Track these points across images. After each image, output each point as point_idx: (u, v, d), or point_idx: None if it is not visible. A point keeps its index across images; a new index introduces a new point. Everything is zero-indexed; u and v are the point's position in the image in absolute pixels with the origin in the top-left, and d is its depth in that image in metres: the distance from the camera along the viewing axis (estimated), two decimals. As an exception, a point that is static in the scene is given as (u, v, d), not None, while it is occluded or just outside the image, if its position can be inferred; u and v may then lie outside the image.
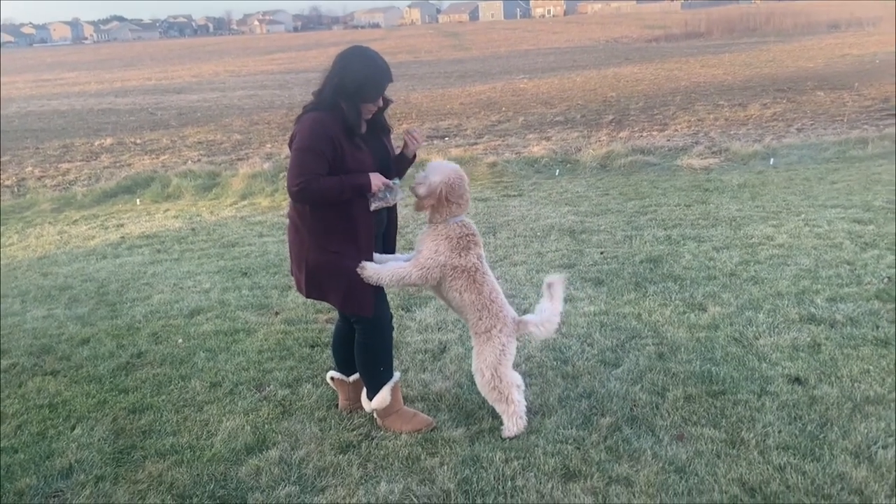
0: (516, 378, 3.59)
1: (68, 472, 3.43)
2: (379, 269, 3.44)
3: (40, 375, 4.53)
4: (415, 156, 3.71)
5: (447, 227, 3.49)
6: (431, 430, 3.58)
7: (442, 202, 3.46)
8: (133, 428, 3.80)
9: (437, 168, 3.52)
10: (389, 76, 3.38)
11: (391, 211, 3.66)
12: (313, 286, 3.50)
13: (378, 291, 3.52)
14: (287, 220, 3.60)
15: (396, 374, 3.71)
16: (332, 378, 3.90)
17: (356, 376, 3.81)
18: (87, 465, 3.46)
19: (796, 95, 16.53)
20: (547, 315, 3.59)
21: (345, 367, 3.83)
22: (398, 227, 3.82)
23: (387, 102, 3.49)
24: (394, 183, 3.47)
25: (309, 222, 3.42)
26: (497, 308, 3.51)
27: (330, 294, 3.50)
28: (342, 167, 3.31)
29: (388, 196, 3.47)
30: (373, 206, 3.44)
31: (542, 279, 3.84)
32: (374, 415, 3.71)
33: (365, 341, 3.62)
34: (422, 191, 3.48)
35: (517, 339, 3.63)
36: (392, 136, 3.70)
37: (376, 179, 3.38)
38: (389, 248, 3.78)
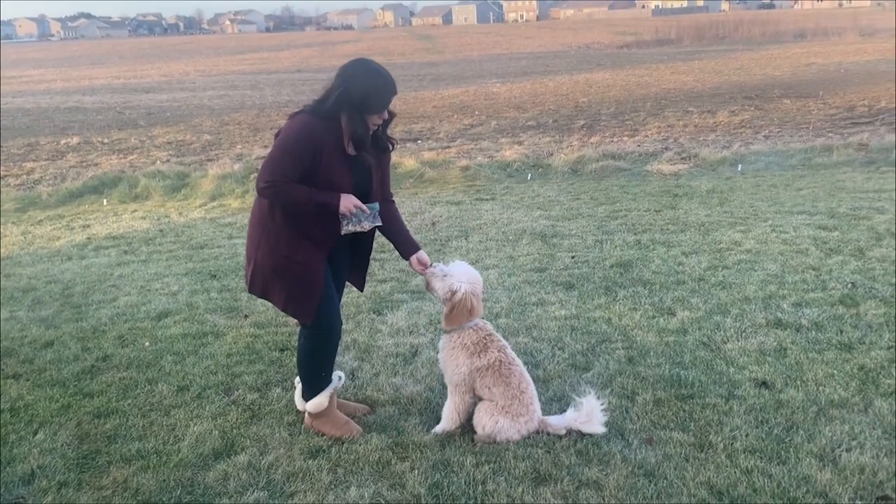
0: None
1: (30, 478, 3.35)
2: (443, 425, 3.55)
3: (1, 379, 4.42)
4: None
5: (461, 335, 3.51)
6: (401, 435, 3.56)
7: (463, 310, 3.47)
8: (98, 433, 3.73)
9: (461, 272, 3.51)
10: (394, 88, 3.35)
11: (364, 235, 3.58)
12: (257, 283, 3.49)
13: (326, 302, 3.49)
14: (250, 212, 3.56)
15: (334, 379, 3.71)
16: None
17: None
18: (49, 471, 3.38)
19: (764, 103, 16.81)
20: (567, 422, 3.52)
21: None
22: (373, 249, 3.77)
23: (391, 115, 3.46)
24: (370, 208, 3.42)
25: (268, 222, 3.40)
26: (528, 399, 3.49)
27: (272, 294, 3.49)
28: (312, 178, 3.27)
29: (363, 220, 3.42)
30: (344, 230, 3.40)
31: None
32: (306, 415, 3.70)
33: (310, 346, 3.60)
34: (438, 287, 3.49)
35: None
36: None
37: (347, 201, 3.32)
38: (359, 270, 3.74)
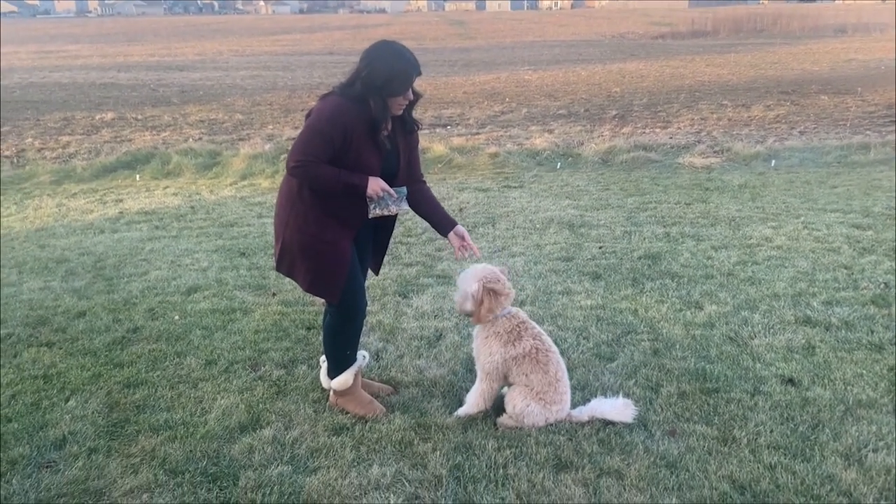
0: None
1: (62, 443, 3.43)
2: (466, 409, 3.58)
3: (35, 346, 4.53)
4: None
5: (495, 324, 3.52)
6: (424, 416, 3.59)
7: (489, 303, 3.48)
8: (127, 402, 3.81)
9: (467, 277, 3.55)
10: (418, 69, 3.35)
11: (387, 219, 3.62)
12: (284, 261, 3.53)
13: (352, 282, 3.51)
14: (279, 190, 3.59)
15: (359, 358, 3.75)
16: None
17: None
18: (80, 437, 3.47)
19: (800, 98, 16.52)
20: (592, 411, 3.52)
21: None
22: (392, 234, 3.79)
23: (417, 96, 3.46)
24: (397, 192, 3.43)
25: (297, 201, 3.43)
26: (563, 388, 3.51)
27: (298, 274, 3.52)
28: (342, 160, 3.30)
29: (391, 204, 3.43)
30: (371, 213, 3.41)
31: (545, 278, 3.83)
32: (331, 393, 3.75)
33: (336, 325, 3.64)
34: (469, 306, 3.52)
35: None
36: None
37: (375, 184, 3.34)
38: (378, 254, 3.77)
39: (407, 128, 3.53)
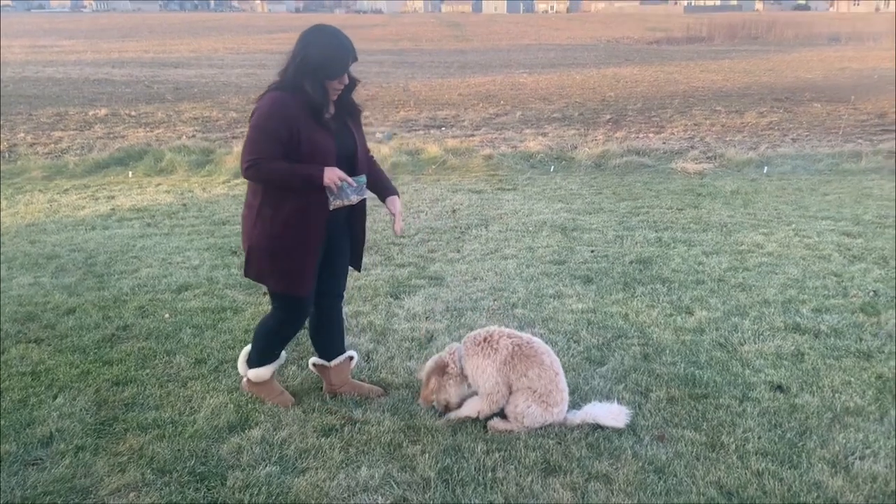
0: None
1: (48, 440, 3.42)
2: (458, 413, 3.57)
3: (24, 343, 4.51)
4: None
5: (468, 355, 3.54)
6: (413, 419, 3.59)
7: (437, 383, 3.54)
8: (116, 400, 3.79)
9: (425, 366, 3.64)
10: (353, 53, 3.35)
11: (356, 210, 3.61)
12: (252, 267, 3.53)
13: (314, 274, 3.52)
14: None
15: (282, 357, 3.81)
16: (314, 364, 3.92)
17: (338, 360, 3.85)
18: (67, 435, 3.45)
19: (793, 106, 16.60)
20: (586, 415, 3.53)
21: (324, 352, 3.86)
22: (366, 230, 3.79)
23: (353, 81, 3.45)
24: (356, 180, 3.41)
25: (260, 206, 3.41)
26: (563, 385, 3.52)
27: (268, 278, 3.53)
28: (297, 151, 3.29)
29: (351, 194, 3.40)
30: (332, 205, 3.39)
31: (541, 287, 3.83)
32: (244, 379, 3.81)
33: (276, 325, 3.67)
34: (436, 396, 3.57)
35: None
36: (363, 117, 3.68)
37: (332, 174, 3.31)
38: (355, 249, 3.76)
39: (351, 109, 3.54)
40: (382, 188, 3.69)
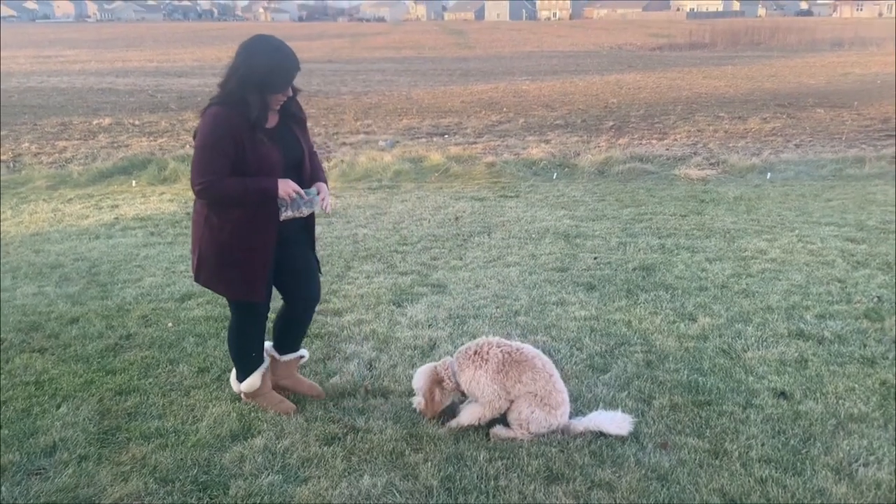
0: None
1: (52, 450, 3.42)
2: (460, 420, 3.57)
3: (28, 352, 4.52)
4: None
5: (460, 367, 3.55)
6: (416, 427, 3.59)
7: (439, 395, 3.56)
8: (119, 409, 3.80)
9: (417, 377, 3.65)
10: (297, 64, 3.33)
11: (307, 220, 3.64)
12: (201, 274, 3.56)
13: (267, 280, 3.54)
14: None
15: (266, 361, 3.81)
16: (265, 350, 3.93)
17: (288, 357, 3.91)
18: (70, 445, 3.46)
19: (796, 111, 16.59)
20: (590, 422, 3.53)
21: (280, 345, 3.91)
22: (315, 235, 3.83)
23: (295, 91, 3.44)
24: (307, 193, 3.42)
25: (209, 215, 3.42)
26: (561, 386, 3.53)
27: (218, 284, 3.56)
28: (243, 164, 3.29)
29: (302, 206, 3.42)
30: (283, 216, 3.41)
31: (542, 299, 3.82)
32: (241, 395, 3.82)
33: (240, 326, 3.70)
34: (424, 406, 3.60)
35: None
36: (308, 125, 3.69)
37: (285, 186, 3.33)
38: (310, 250, 3.77)
39: (296, 117, 3.54)
40: (313, 177, 3.66)
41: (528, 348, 3.58)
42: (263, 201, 3.35)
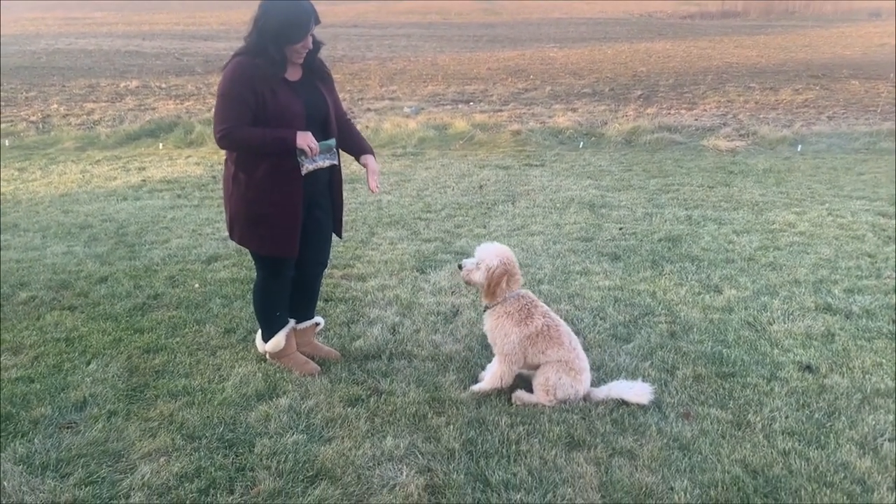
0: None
1: (82, 404, 3.50)
2: (482, 385, 3.58)
3: (58, 310, 4.60)
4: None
5: (505, 306, 3.53)
6: (438, 391, 3.61)
7: (500, 285, 3.50)
8: (147, 367, 3.86)
9: (490, 251, 3.55)
10: (315, 16, 3.34)
11: (334, 174, 3.65)
12: (234, 231, 3.62)
13: (297, 235, 3.56)
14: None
15: (291, 321, 3.85)
16: None
17: (304, 324, 3.95)
18: (100, 400, 3.53)
19: (830, 83, 16.22)
20: (611, 390, 3.53)
21: (294, 314, 3.93)
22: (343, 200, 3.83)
23: (317, 45, 3.45)
24: (324, 145, 3.43)
25: (237, 173, 3.48)
26: (583, 356, 3.54)
27: (250, 241, 3.60)
28: (264, 115, 3.32)
29: (321, 158, 3.43)
30: (304, 168, 3.42)
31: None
32: (267, 355, 3.86)
33: (266, 285, 3.73)
34: (478, 277, 3.53)
35: None
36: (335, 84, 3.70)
37: (303, 138, 3.34)
38: (337, 211, 3.78)
39: (321, 73, 3.56)
40: (357, 148, 3.73)
41: (563, 325, 3.57)
42: (282, 151, 3.36)
